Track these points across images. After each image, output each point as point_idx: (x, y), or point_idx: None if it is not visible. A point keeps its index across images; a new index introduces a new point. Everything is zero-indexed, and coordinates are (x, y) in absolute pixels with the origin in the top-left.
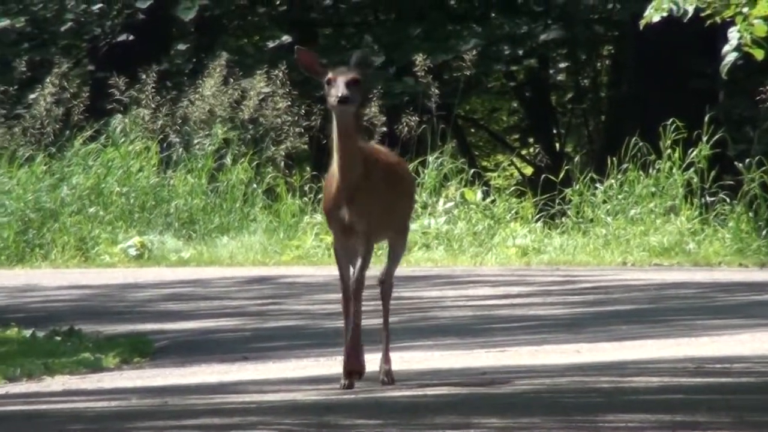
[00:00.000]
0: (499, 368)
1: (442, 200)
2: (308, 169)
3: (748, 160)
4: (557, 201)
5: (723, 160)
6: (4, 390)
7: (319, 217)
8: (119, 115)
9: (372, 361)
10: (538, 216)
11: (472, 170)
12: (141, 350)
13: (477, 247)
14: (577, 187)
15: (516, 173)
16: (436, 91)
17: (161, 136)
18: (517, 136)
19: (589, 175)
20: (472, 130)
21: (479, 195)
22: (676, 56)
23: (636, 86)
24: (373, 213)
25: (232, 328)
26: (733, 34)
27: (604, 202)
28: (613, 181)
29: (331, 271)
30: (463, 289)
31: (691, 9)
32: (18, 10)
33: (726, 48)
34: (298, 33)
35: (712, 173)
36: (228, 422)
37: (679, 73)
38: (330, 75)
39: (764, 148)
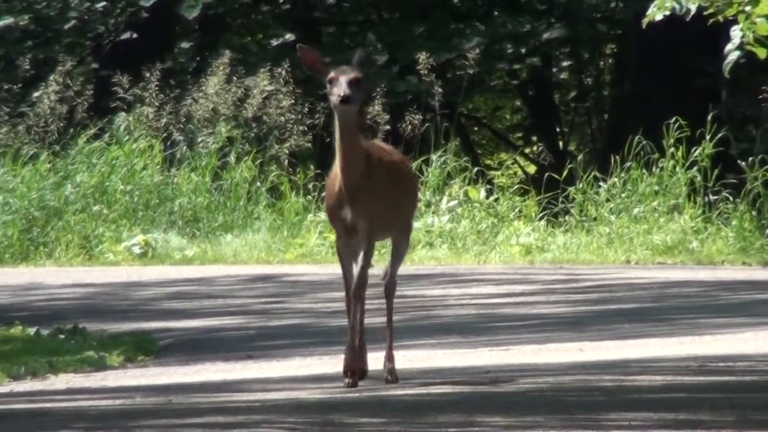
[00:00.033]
0: (502, 367)
1: (445, 198)
2: (312, 167)
3: (750, 159)
4: (560, 199)
5: (726, 158)
6: (9, 388)
7: (322, 216)
8: (123, 114)
9: (375, 360)
10: (541, 214)
11: (476, 168)
12: (145, 349)
13: (480, 246)
14: (581, 185)
15: (519, 171)
16: (440, 89)
17: (165, 135)
18: (520, 135)
19: (593, 173)
20: (476, 129)
21: (482, 193)
22: (679, 55)
23: (639, 85)
24: (375, 212)
25: (236, 326)
26: (736, 33)
27: (608, 200)
28: (616, 179)
29: (335, 269)
30: (466, 287)
31: (693, 7)
32: (22, 8)
33: (729, 46)
34: (302, 31)
35: (715, 172)
36: (232, 421)
37: (682, 72)
38: (332, 74)
39: (767, 147)
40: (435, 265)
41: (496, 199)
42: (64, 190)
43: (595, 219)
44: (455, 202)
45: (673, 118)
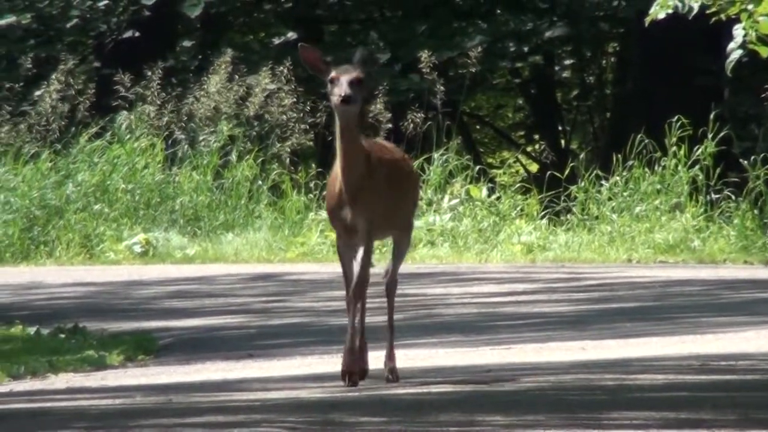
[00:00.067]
0: (503, 365)
1: (447, 197)
2: (313, 165)
3: (753, 158)
4: (562, 198)
5: (728, 157)
6: (9, 388)
7: (324, 214)
8: (125, 112)
9: (376, 359)
10: (543, 213)
11: (478, 167)
12: (145, 348)
13: (482, 244)
14: (583, 184)
15: (521, 170)
16: (442, 87)
17: (166, 133)
18: (522, 133)
19: (595, 172)
20: (478, 127)
21: (484, 192)
22: (682, 53)
23: (641, 83)
24: (376, 212)
25: (237, 325)
26: (738, 32)
27: (610, 199)
28: (618, 178)
29: (336, 268)
30: (467, 286)
31: (696, 6)
32: (24, 7)
33: (731, 45)
34: (304, 30)
35: (717, 170)
36: (232, 420)
37: (685, 70)
38: (333, 73)
39: None
40: (436, 263)
41: (498, 198)
42: (65, 189)
43: (596, 218)
44: (457, 200)
45: (676, 117)
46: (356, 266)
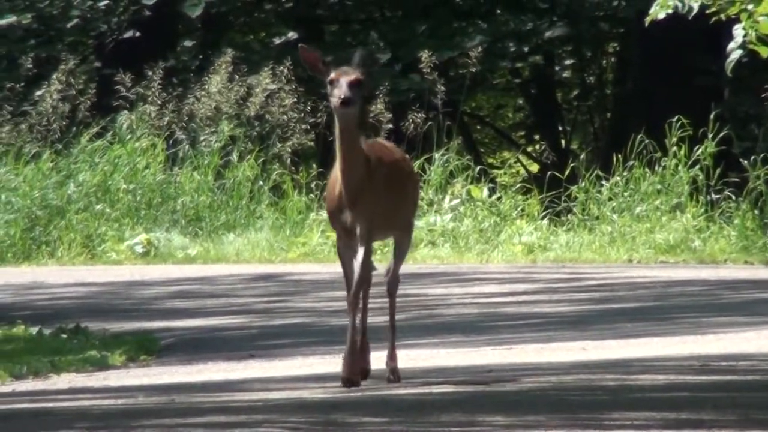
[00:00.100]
0: (504, 366)
1: (448, 197)
2: (314, 165)
3: (753, 158)
4: (563, 198)
5: (728, 157)
6: (11, 388)
7: (325, 214)
8: (125, 112)
9: (378, 359)
10: (544, 213)
11: (478, 167)
12: (147, 348)
13: (483, 245)
14: (583, 184)
15: (522, 170)
16: (442, 87)
17: (167, 133)
18: (522, 133)
19: (595, 172)
20: (478, 127)
21: (485, 192)
22: (682, 53)
23: (641, 83)
24: (375, 214)
25: (239, 325)
26: (738, 32)
27: (610, 199)
28: (618, 178)
29: (337, 268)
30: (468, 286)
31: (696, 6)
32: (24, 7)
33: (731, 45)
34: (304, 29)
35: (718, 171)
36: (234, 420)
37: (685, 70)
38: (333, 75)
39: None
40: (437, 264)
41: (499, 198)
42: (67, 189)
43: (597, 218)
44: (458, 200)
45: (676, 117)
46: (357, 267)
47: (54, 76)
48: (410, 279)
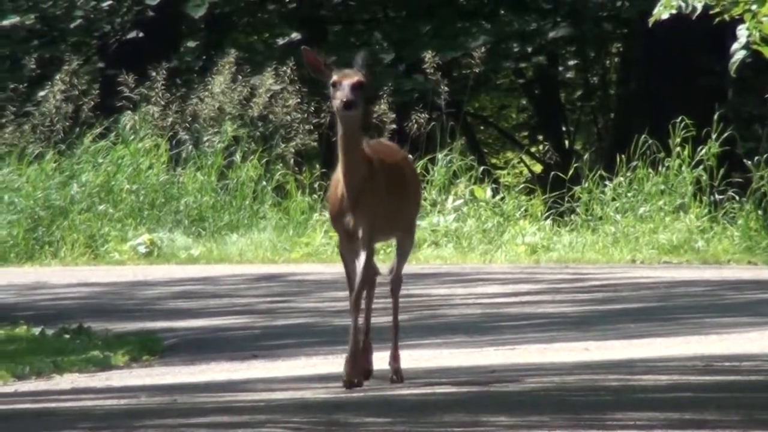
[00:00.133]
0: (508, 366)
1: (451, 198)
2: (318, 166)
3: (756, 158)
4: (566, 198)
5: (732, 157)
6: (14, 388)
7: (328, 215)
8: (129, 113)
9: (381, 359)
10: (547, 213)
11: (482, 167)
12: (150, 348)
13: (486, 245)
14: (587, 184)
15: (525, 171)
16: (446, 88)
17: (171, 134)
18: (526, 134)
19: (599, 172)
20: (482, 128)
21: (488, 192)
22: (685, 54)
23: (645, 84)
24: (377, 217)
25: (242, 325)
26: (742, 32)
27: (614, 199)
28: (622, 178)
29: (341, 268)
30: (472, 286)
31: (699, 6)
32: (28, 7)
33: (735, 46)
34: (308, 30)
35: (721, 171)
36: (237, 420)
37: (688, 71)
38: (335, 78)
39: None
40: (440, 264)
41: (502, 198)
42: (70, 190)
43: (600, 218)
44: (461, 201)
45: (679, 117)
46: (359, 269)
47: (57, 77)
48: (413, 279)
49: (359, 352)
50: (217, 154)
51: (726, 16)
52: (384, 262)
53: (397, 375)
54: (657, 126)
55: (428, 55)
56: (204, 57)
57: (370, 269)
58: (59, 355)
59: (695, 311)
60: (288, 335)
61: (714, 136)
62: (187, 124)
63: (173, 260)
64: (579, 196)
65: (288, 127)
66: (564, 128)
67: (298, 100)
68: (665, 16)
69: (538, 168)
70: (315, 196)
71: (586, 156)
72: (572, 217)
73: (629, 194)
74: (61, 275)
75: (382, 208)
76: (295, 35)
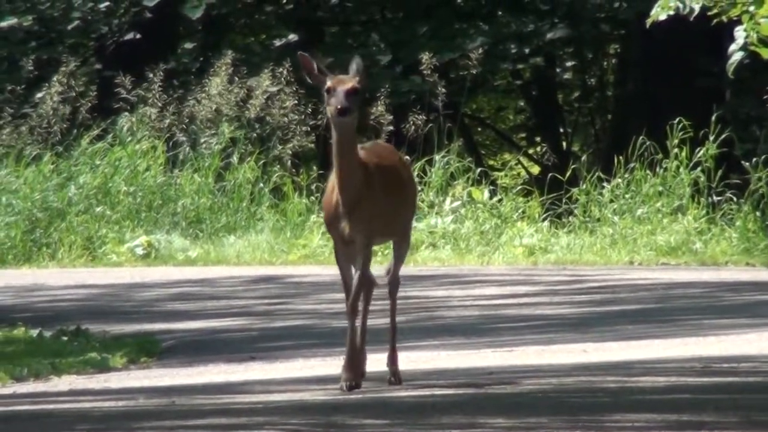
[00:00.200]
0: (505, 368)
1: (448, 199)
2: (315, 167)
3: (754, 159)
4: (564, 200)
5: (730, 159)
6: (12, 390)
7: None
8: (126, 114)
9: (378, 361)
10: (544, 215)
11: (479, 169)
12: (148, 350)
13: (484, 247)
14: (584, 186)
15: (523, 172)
16: (443, 89)
17: (168, 135)
18: (523, 135)
19: (596, 174)
20: (479, 129)
21: (486, 194)
22: (683, 55)
23: (642, 85)
24: (373, 221)
25: (239, 327)
26: (740, 33)
27: (611, 201)
28: (620, 180)
29: (338, 270)
30: (469, 288)
31: (697, 7)
32: (25, 9)
33: (732, 47)
34: (305, 31)
35: (719, 172)
36: (235, 422)
37: (686, 72)
38: (329, 83)
39: None
40: (438, 266)
41: (500, 200)
42: (67, 191)
43: (598, 220)
44: (458, 202)
45: (677, 119)
46: (355, 275)
47: (55, 78)
48: (411, 281)
49: (357, 355)
50: (214, 155)
51: (723, 18)
52: (381, 263)
53: (395, 377)
54: (655, 127)
55: (425, 57)
56: (201, 58)
57: (367, 274)
58: (57, 357)
59: (693, 313)
60: (286, 337)
61: (712, 138)
62: (184, 126)
63: (171, 262)
64: (577, 198)
65: (285, 129)
66: (561, 130)
67: (295, 101)
68: (663, 17)
69: (535, 169)
70: (312, 197)
71: (583, 157)
72: (570, 218)
73: (627, 196)
74: (59, 277)
75: (378, 212)
76: (292, 37)
